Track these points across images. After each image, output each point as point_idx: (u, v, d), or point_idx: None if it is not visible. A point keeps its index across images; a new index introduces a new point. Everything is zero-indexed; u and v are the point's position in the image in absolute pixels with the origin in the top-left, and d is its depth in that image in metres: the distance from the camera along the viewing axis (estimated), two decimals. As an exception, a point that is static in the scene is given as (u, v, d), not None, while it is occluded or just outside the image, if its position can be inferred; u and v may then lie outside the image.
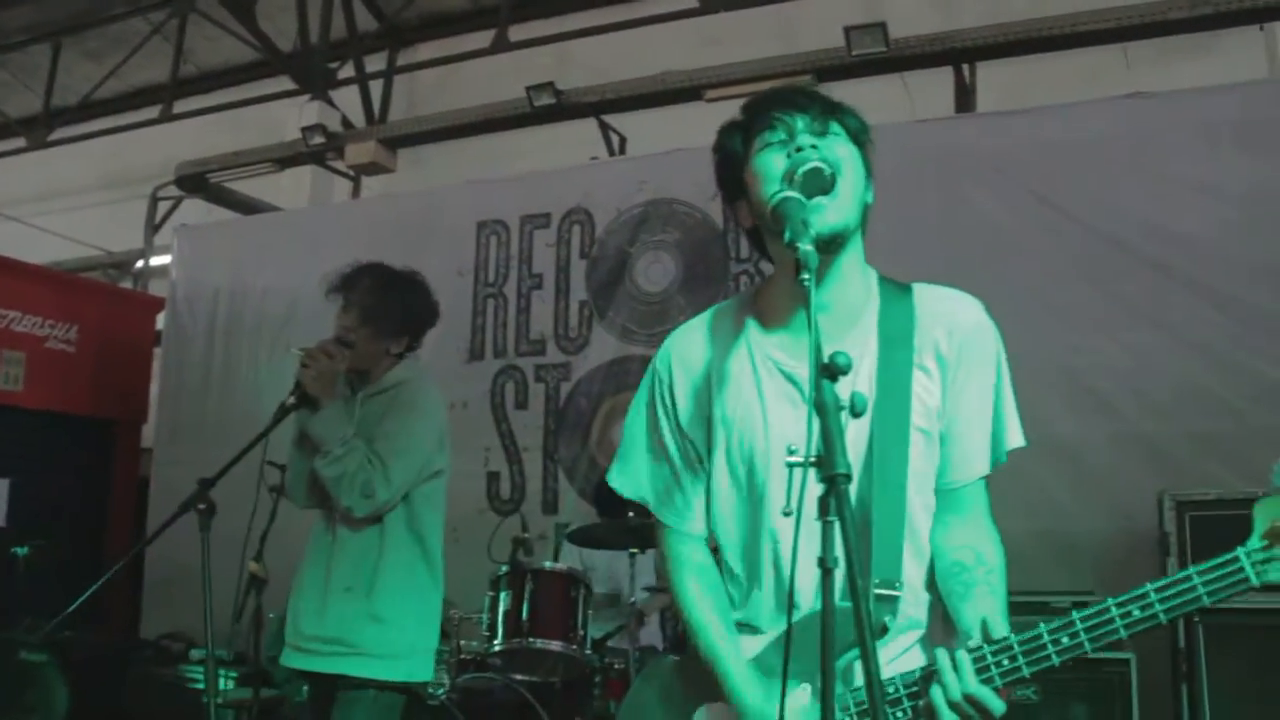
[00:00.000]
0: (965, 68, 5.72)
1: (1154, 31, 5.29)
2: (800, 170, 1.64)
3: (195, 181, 7.48)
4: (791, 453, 1.39)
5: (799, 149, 1.66)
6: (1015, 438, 1.77)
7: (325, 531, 3.12)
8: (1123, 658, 3.71)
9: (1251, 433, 4.15)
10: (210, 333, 6.60)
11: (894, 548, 1.67)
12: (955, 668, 1.53)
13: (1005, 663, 1.53)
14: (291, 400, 3.00)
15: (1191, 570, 1.49)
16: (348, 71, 8.25)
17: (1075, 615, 1.52)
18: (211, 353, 6.58)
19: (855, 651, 1.47)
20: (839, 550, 1.30)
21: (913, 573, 1.72)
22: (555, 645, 3.97)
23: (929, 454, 1.73)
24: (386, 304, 3.13)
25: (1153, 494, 3.94)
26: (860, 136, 1.75)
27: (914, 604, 1.72)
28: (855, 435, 1.66)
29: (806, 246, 1.48)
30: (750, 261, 5.22)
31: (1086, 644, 1.52)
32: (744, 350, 1.78)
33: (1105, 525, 4.38)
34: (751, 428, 1.74)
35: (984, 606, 1.62)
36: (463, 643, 4.27)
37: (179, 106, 8.37)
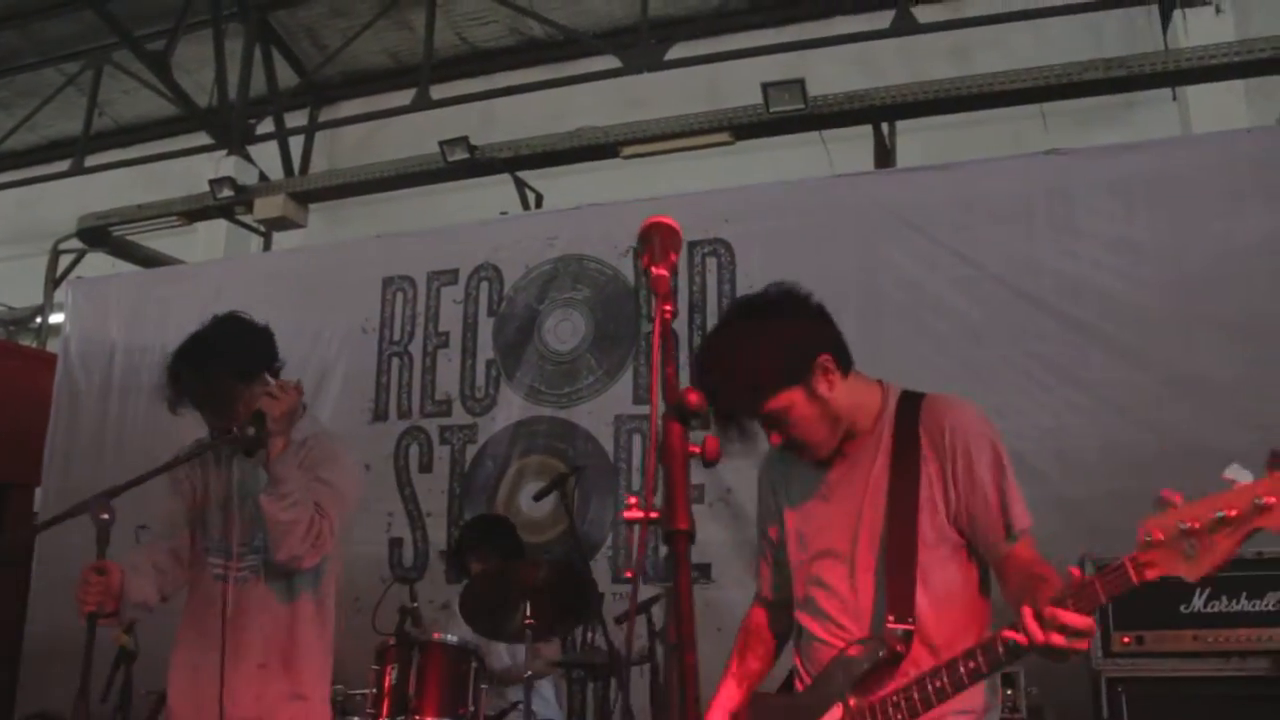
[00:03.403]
0: (885, 128, 5.67)
1: (1071, 92, 5.29)
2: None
3: (98, 235, 7.19)
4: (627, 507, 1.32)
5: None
6: (1021, 520, 2.06)
7: (215, 602, 2.85)
8: (1041, 731, 3.57)
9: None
10: (105, 391, 6.21)
11: (907, 588, 2.02)
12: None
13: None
14: (250, 431, 2.74)
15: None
16: (268, 127, 8.08)
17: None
18: (105, 412, 6.18)
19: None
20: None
21: (929, 613, 2.04)
22: (443, 725, 3.71)
23: (933, 523, 2.07)
24: (217, 370, 2.86)
25: (1076, 557, 3.78)
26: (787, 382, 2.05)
27: (936, 637, 2.04)
28: (871, 510, 2.10)
29: (660, 272, 1.36)
30: (663, 320, 5.02)
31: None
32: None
33: (1029, 591, 4.21)
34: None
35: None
36: (349, 720, 3.96)
37: (93, 160, 8.12)
